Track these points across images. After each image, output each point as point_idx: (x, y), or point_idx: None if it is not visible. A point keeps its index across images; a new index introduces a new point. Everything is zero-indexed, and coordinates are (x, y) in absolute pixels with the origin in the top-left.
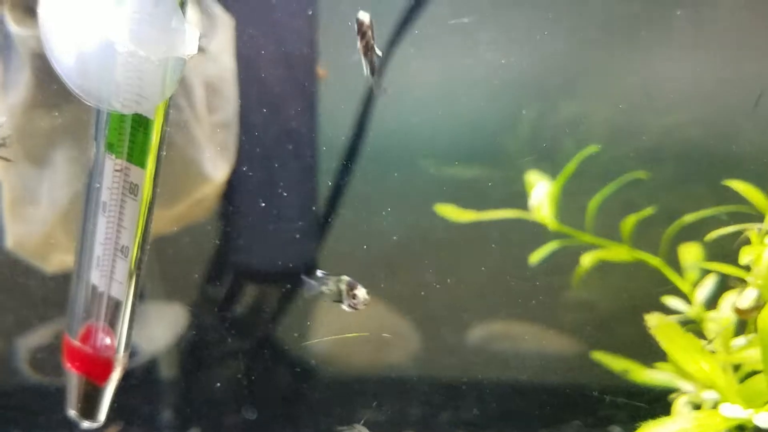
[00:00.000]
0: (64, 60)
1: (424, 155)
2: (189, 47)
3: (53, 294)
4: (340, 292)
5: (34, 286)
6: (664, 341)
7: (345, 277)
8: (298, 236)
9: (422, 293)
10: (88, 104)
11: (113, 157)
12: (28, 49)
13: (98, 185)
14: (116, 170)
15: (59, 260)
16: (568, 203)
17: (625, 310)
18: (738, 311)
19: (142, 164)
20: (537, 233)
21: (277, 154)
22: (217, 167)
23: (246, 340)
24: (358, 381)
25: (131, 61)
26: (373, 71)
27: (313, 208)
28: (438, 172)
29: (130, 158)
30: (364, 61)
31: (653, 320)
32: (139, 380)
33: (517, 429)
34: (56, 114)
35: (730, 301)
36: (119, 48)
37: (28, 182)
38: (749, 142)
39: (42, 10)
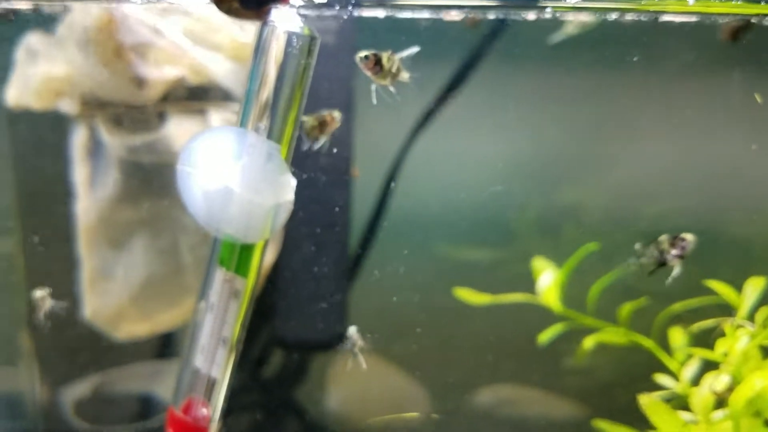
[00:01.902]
0: (194, 199)
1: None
2: (290, 195)
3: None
4: (661, 252)
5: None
6: (653, 417)
7: (661, 237)
8: (327, 309)
9: (435, 359)
10: (209, 232)
11: (223, 270)
12: (115, 154)
13: (209, 290)
14: (225, 280)
15: (128, 330)
16: (573, 279)
17: (627, 377)
18: (714, 393)
19: (245, 275)
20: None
21: (315, 241)
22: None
23: (271, 399)
24: None
25: (245, 204)
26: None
27: (342, 286)
28: (452, 252)
29: (236, 271)
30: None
31: (644, 399)
32: None
33: None
34: (136, 209)
35: (709, 381)
36: (236, 196)
37: (106, 263)
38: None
39: (181, 164)
